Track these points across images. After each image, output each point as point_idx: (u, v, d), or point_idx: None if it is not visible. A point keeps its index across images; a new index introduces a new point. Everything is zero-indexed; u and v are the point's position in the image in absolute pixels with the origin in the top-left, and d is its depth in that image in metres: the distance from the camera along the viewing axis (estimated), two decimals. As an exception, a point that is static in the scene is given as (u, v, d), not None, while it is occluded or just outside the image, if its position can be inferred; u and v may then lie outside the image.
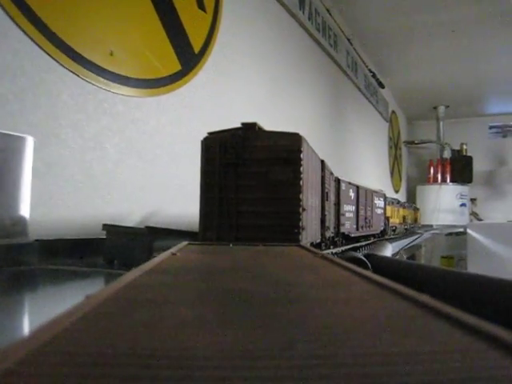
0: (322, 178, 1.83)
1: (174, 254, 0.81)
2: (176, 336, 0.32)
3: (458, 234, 5.75)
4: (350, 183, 2.66)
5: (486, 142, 9.56)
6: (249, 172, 1.34)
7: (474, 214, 9.16)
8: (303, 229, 1.33)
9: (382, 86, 7.13)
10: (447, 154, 9.32)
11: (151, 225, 1.61)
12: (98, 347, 0.29)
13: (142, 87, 2.14)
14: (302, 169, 1.32)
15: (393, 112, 8.62)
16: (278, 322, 0.36)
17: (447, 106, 9.14)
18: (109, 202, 1.96)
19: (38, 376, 0.24)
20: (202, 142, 1.40)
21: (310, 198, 1.49)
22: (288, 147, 1.34)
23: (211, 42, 2.64)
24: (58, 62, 1.70)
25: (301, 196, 1.32)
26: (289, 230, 1.31)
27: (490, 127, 9.55)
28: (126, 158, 2.07)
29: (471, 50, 6.44)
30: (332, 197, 2.13)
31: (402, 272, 1.41)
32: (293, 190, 1.32)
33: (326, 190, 1.89)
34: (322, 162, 1.86)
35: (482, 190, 9.53)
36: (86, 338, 0.31)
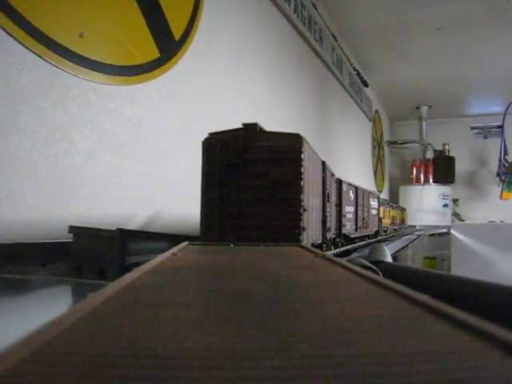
0: (323, 178, 1.83)
1: (174, 254, 0.81)
2: (176, 336, 0.32)
3: (440, 234, 5.75)
4: (350, 184, 2.67)
5: (468, 142, 9.68)
6: (250, 172, 1.35)
7: (455, 215, 9.16)
8: (304, 229, 1.33)
9: (365, 84, 7.01)
10: (430, 155, 9.34)
11: (125, 227, 1.49)
12: (99, 348, 0.29)
13: (116, 74, 1.92)
14: (302, 169, 1.33)
15: (376, 111, 8.40)
16: (279, 322, 0.36)
17: (430, 106, 9.17)
18: (78, 200, 1.76)
19: (39, 376, 0.24)
20: (203, 142, 1.40)
21: (311, 199, 1.49)
22: (289, 148, 1.34)
23: (193, 29, 2.45)
24: (17, 40, 1.50)
25: (302, 196, 1.33)
26: (290, 230, 1.31)
27: (472, 128, 9.60)
28: (98, 152, 1.84)
29: (456, 48, 6.45)
30: (333, 198, 2.13)
31: (415, 280, 1.39)
32: (293, 190, 1.33)
33: (328, 191, 1.89)
34: (323, 162, 1.86)
35: (464, 191, 9.62)
36: (86, 339, 0.31)
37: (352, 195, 2.71)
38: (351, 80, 6.50)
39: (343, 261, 0.69)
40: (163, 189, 2.18)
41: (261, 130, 1.39)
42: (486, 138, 9.60)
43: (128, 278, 0.47)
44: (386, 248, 2.04)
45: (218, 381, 0.25)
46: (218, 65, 2.77)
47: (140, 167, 2.08)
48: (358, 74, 6.63)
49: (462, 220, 8.83)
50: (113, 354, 0.28)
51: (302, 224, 1.32)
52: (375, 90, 8.09)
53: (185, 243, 1.09)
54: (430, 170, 9.26)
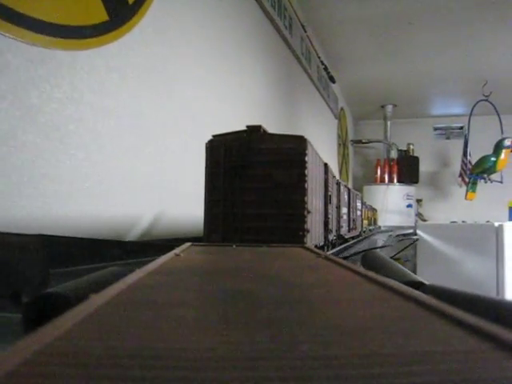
0: (326, 181, 1.83)
1: (177, 255, 0.81)
2: (179, 337, 0.32)
3: (405, 235, 5.73)
4: (345, 186, 2.68)
5: (431, 143, 9.73)
6: (254, 175, 1.35)
7: (419, 215, 9.10)
8: (308, 231, 1.33)
9: (332, 80, 6.71)
10: (394, 154, 9.26)
11: (48, 232, 1.20)
12: (100, 349, 0.29)
13: (50, 34, 1.47)
14: (306, 172, 1.33)
15: (342, 109, 8.12)
16: (282, 322, 0.36)
17: (395, 105, 9.00)
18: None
19: (41, 377, 0.24)
20: (207, 144, 1.41)
21: (315, 201, 1.50)
22: (293, 150, 1.36)
23: (150, -7, 1.98)
24: None
25: (306, 199, 1.33)
26: (294, 232, 1.33)
27: (435, 129, 9.63)
28: (21, 132, 1.40)
29: (423, 46, 6.30)
30: (334, 200, 2.13)
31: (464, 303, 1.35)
32: (298, 192, 1.34)
33: (330, 193, 1.89)
34: (326, 164, 1.86)
35: (427, 191, 9.65)
36: (87, 340, 0.31)
37: (346, 197, 2.73)
38: (319, 74, 6.19)
39: (345, 261, 0.68)
40: (106, 182, 1.75)
41: (264, 132, 1.39)
42: (448, 138, 9.72)
43: (130, 278, 0.47)
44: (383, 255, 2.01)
45: (220, 381, 0.25)
46: (178, 39, 2.35)
47: (77, 154, 1.62)
48: (326, 68, 6.38)
49: (425, 220, 8.79)
50: (115, 355, 0.28)
51: (306, 226, 1.33)
52: (341, 87, 7.85)
53: (187, 244, 1.09)
54: (395, 169, 9.17)
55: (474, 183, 7.67)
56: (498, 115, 7.03)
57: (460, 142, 8.63)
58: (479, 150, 7.46)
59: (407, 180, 8.94)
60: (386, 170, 9.39)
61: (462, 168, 8.19)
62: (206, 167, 1.40)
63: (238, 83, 3.27)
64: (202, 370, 0.26)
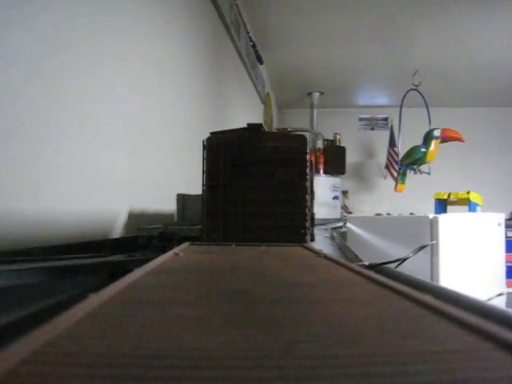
0: (311, 176, 1.84)
1: (176, 254, 0.81)
2: (178, 336, 0.32)
3: (334, 228, 5.54)
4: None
5: (356, 133, 9.08)
6: (254, 173, 1.35)
7: (344, 208, 8.85)
8: (309, 229, 1.34)
9: (260, 61, 6.00)
10: (320, 144, 8.38)
11: None
12: (100, 348, 0.29)
13: None
14: (307, 170, 1.35)
15: (268, 94, 7.46)
16: (281, 322, 0.36)
17: (322, 93, 8.31)
18: None
19: (41, 376, 0.24)
20: (205, 141, 1.40)
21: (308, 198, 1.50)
22: (294, 149, 1.37)
23: None
24: None
25: (307, 197, 1.34)
26: (296, 230, 1.33)
27: (360, 119, 9.43)
28: None
29: (354, 30, 5.65)
30: (315, 195, 2.12)
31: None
32: (299, 191, 1.35)
33: (314, 188, 1.89)
34: (311, 161, 1.86)
35: (352, 183, 9.34)
36: (87, 339, 0.31)
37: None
38: (247, 51, 5.29)
39: (345, 261, 0.68)
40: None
41: (265, 130, 1.40)
42: (373, 129, 9.47)
43: (129, 278, 0.47)
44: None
45: (220, 381, 0.25)
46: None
47: None
48: (254, 46, 5.59)
49: (350, 213, 8.51)
50: (114, 354, 0.28)
51: (307, 224, 1.33)
52: (267, 71, 7.23)
53: (187, 243, 1.09)
54: (321, 160, 8.71)
55: (404, 174, 7.41)
56: (427, 106, 6.87)
57: (385, 134, 8.38)
58: (408, 141, 7.15)
59: (334, 171, 8.51)
60: (313, 160, 8.90)
61: (389, 159, 8.00)
62: (205, 165, 1.40)
63: (155, 46, 2.33)
64: (201, 370, 0.26)
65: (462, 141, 6.51)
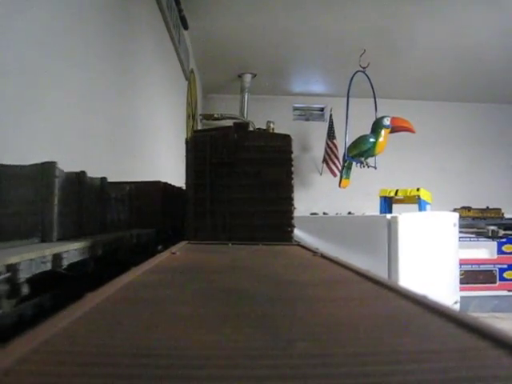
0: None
1: (173, 253, 0.80)
2: (175, 335, 0.32)
3: None
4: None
5: (290, 123, 7.68)
6: (240, 172, 1.36)
7: None
8: (294, 227, 1.37)
9: (185, 25, 4.82)
10: None
11: None
12: (98, 346, 0.29)
13: None
14: (293, 169, 1.36)
15: (192, 71, 6.23)
16: (278, 321, 0.36)
17: (254, 75, 7.13)
18: None
19: (38, 375, 0.24)
20: (190, 139, 1.41)
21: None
22: (280, 148, 1.38)
23: None
24: None
25: (292, 195, 1.36)
26: (282, 228, 1.35)
27: (294, 109, 7.94)
28: None
29: (293, 1, 4.77)
30: None
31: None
32: (285, 189, 1.37)
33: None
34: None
35: None
36: (85, 338, 0.31)
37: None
38: (169, 7, 4.09)
39: (341, 260, 0.69)
40: None
41: (251, 129, 1.41)
42: (307, 120, 7.98)
43: (126, 277, 0.47)
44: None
45: (217, 380, 0.25)
46: None
47: None
48: (178, 3, 4.40)
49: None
50: (112, 353, 0.28)
51: (293, 222, 1.35)
52: (193, 43, 5.92)
53: (183, 242, 1.09)
54: None
55: (349, 168, 6.31)
56: (373, 92, 5.87)
57: (321, 125, 7.43)
58: (353, 132, 5.92)
59: (267, 164, 7.61)
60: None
61: (327, 152, 7.08)
62: (189, 163, 1.40)
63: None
64: (197, 368, 0.26)
65: (412, 131, 5.72)
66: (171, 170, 3.12)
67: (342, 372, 0.26)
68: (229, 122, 6.53)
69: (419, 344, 0.31)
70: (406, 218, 2.87)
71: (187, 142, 1.40)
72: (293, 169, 1.37)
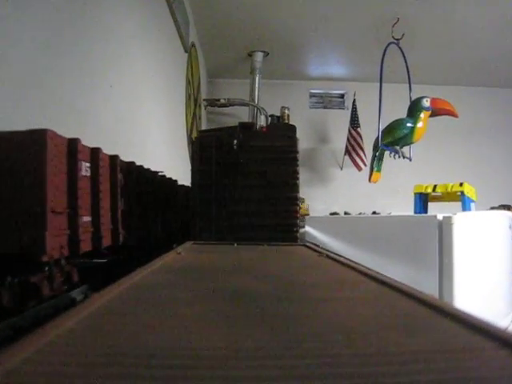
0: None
1: (178, 254, 0.81)
2: (180, 335, 0.32)
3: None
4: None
5: (307, 112, 6.70)
6: (247, 172, 1.36)
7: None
8: (300, 227, 1.38)
9: None
10: (263, 121, 5.66)
11: None
12: (102, 347, 0.29)
13: None
14: (298, 169, 1.36)
15: (193, 45, 5.08)
16: (284, 321, 0.36)
17: (266, 54, 5.98)
18: None
19: (42, 375, 0.24)
20: (196, 139, 1.41)
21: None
22: (285, 148, 1.38)
23: None
24: None
25: (298, 195, 1.36)
26: (288, 228, 1.34)
27: (311, 95, 6.76)
28: None
29: None
30: None
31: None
32: (291, 189, 1.37)
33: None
34: None
35: (302, 174, 5.47)
36: (89, 338, 0.31)
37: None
38: None
39: (347, 260, 0.68)
40: None
41: (257, 129, 1.41)
42: (326, 108, 6.77)
43: (133, 276, 0.47)
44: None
45: (222, 380, 0.24)
46: None
47: None
48: None
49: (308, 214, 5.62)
50: (116, 354, 0.28)
51: (298, 222, 1.36)
52: (194, 12, 4.74)
53: (189, 242, 1.09)
54: None
55: (381, 159, 5.12)
56: (407, 67, 4.81)
57: (341, 113, 6.44)
58: (374, 120, 4.82)
59: (283, 156, 6.54)
60: (253, 141, 6.79)
61: (350, 143, 6.03)
62: (195, 163, 1.40)
63: None
64: (202, 369, 0.26)
65: (455, 115, 4.70)
66: (160, 156, 2.34)
67: (347, 372, 0.26)
68: (236, 109, 5.86)
69: (425, 344, 0.31)
70: (462, 219, 2.29)
71: (192, 143, 1.40)
72: (301, 166, 1.36)
